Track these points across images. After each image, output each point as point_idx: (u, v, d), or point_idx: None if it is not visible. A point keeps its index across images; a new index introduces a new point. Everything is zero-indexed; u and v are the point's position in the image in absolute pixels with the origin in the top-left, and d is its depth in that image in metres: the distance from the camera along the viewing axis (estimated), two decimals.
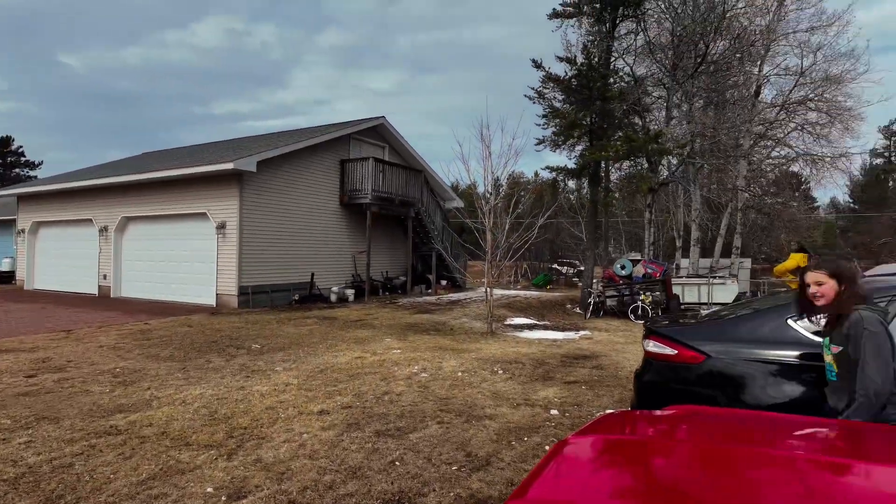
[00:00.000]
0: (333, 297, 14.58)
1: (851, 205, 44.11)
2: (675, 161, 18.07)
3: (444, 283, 18.48)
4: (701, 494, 1.36)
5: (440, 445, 3.98)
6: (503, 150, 10.88)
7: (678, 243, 22.82)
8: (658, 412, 2.24)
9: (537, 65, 14.06)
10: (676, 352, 3.18)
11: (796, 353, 2.85)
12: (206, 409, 4.82)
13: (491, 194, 10.84)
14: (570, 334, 10.09)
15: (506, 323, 11.37)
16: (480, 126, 11.76)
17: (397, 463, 3.66)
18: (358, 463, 3.65)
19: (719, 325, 3.44)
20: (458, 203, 20.21)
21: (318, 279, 14.59)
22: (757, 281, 21.42)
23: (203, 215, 13.38)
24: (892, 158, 42.61)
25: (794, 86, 20.01)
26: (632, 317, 12.72)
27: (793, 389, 2.86)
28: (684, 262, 19.96)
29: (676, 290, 14.13)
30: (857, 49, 29.97)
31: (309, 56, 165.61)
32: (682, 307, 13.58)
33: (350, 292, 14.95)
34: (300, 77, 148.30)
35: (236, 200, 12.79)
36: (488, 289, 10.39)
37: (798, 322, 3.00)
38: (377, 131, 17.33)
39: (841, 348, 2.40)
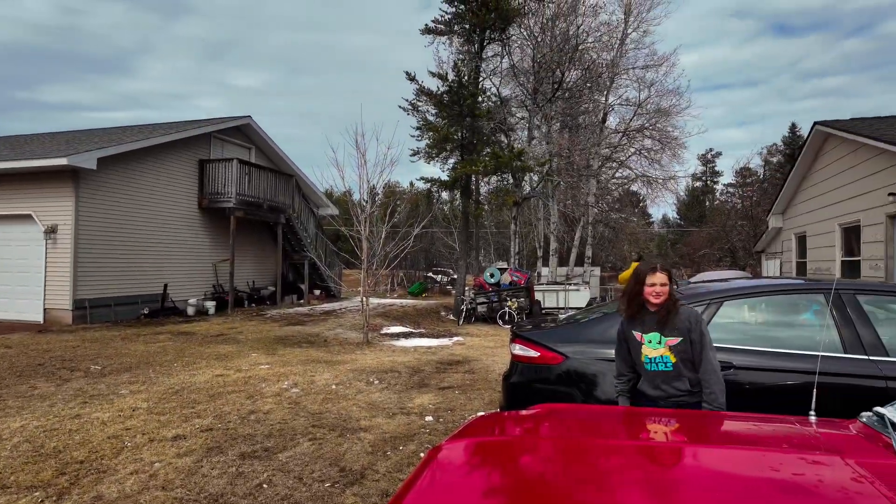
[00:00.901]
0: (191, 311, 13.35)
1: (678, 221, 51.24)
2: (535, 178, 19.56)
3: (317, 292, 17.88)
4: (560, 485, 1.49)
5: (312, 463, 3.84)
6: (378, 158, 10.92)
7: (539, 253, 24.68)
8: (523, 412, 2.40)
9: (411, 78, 14.34)
10: (539, 354, 3.43)
11: None
12: (28, 444, 4.12)
13: (367, 202, 10.76)
14: (445, 341, 10.36)
15: (382, 332, 11.33)
16: (356, 133, 11.65)
17: (265, 486, 3.46)
18: (220, 490, 3.38)
19: (575, 328, 3.77)
20: (333, 210, 19.76)
21: (174, 290, 13.28)
22: (605, 287, 23.89)
23: (27, 217, 11.48)
24: (708, 182, 50.41)
25: (633, 115, 22.82)
26: (500, 322, 13.43)
27: None
28: (545, 271, 21.56)
29: (538, 296, 15.23)
30: (681, 87, 35.32)
31: (163, 44, 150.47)
32: (543, 312, 14.67)
33: (210, 304, 13.80)
34: (152, 67, 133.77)
35: (71, 201, 11.17)
36: (364, 298, 10.28)
37: None
38: (243, 131, 16.31)
39: (680, 339, 2.71)
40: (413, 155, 14.99)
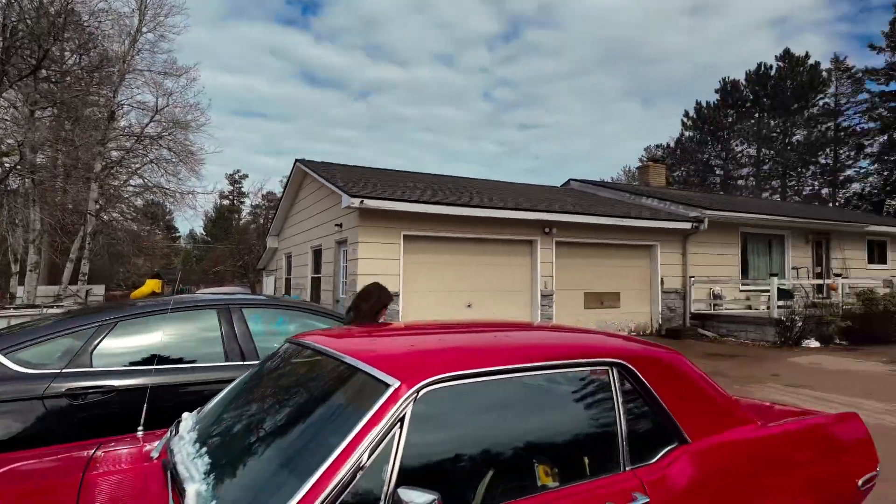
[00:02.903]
0: None
1: (205, 237, 51.06)
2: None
3: None
4: None
5: None
6: None
7: (15, 269, 19.39)
8: None
9: None
10: None
11: None
12: None
13: None
14: None
15: None
16: None
17: None
18: None
19: None
20: None
21: None
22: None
23: None
24: (235, 201, 52.55)
25: (150, 121, 21.29)
26: None
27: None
28: (20, 291, 17.11)
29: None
30: (202, 103, 35.72)
31: None
32: None
33: None
34: None
35: None
36: None
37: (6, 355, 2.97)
38: None
39: None
40: None
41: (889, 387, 7.28)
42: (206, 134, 37.94)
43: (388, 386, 1.54)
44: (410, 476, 1.45)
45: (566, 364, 1.87)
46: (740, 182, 40.24)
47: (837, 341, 11.60)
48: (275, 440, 1.66)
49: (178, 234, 50.59)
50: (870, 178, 32.01)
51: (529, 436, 1.77)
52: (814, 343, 11.27)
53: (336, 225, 10.68)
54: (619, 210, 13.23)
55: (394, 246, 9.86)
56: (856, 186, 33.12)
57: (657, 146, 46.14)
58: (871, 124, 32.19)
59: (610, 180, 36.02)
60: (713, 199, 17.50)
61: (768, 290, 12.21)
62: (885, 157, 30.60)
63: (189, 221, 56.01)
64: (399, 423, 1.48)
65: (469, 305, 10.85)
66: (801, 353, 10.43)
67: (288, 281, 15.06)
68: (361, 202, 9.11)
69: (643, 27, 67.38)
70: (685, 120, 43.05)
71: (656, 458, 1.86)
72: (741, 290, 14.06)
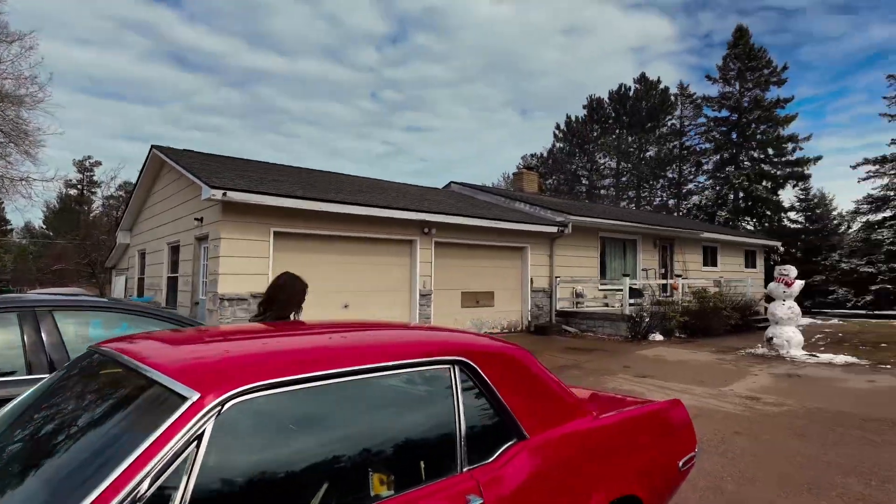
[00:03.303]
0: None
1: (45, 230, 44.33)
2: None
3: None
4: None
5: None
6: None
7: None
8: None
9: None
10: None
11: None
12: None
13: None
14: None
15: None
16: None
17: None
18: None
19: None
20: None
21: None
22: None
23: None
24: (85, 191, 46.26)
25: None
26: None
27: None
28: None
29: None
30: (41, 77, 30.75)
31: None
32: None
33: None
34: None
35: None
36: None
37: None
38: None
39: None
40: None
41: (715, 374, 8.32)
42: (45, 112, 33.07)
43: (184, 399, 1.31)
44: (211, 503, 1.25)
45: (404, 364, 1.77)
46: (603, 192, 44.18)
47: (677, 335, 13.09)
48: (41, 468, 1.35)
49: (9, 227, 43.32)
50: (706, 192, 36.86)
51: (364, 444, 1.64)
52: (658, 337, 12.60)
53: (196, 219, 9.75)
54: (495, 213, 13.74)
55: (262, 243, 9.23)
56: (695, 199, 37.91)
57: (532, 155, 49.03)
58: (708, 145, 37.11)
59: (491, 185, 37.50)
60: (577, 206, 18.92)
61: (622, 290, 13.43)
62: (718, 175, 35.47)
63: (23, 212, 48.08)
64: (196, 442, 1.27)
65: (346, 306, 10.53)
66: (647, 346, 11.60)
67: (141, 281, 13.49)
68: (224, 194, 8.39)
69: (522, 42, 71.31)
70: (557, 132, 46.27)
71: (494, 457, 1.83)
72: (600, 290, 15.33)
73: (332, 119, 80.00)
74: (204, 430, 1.28)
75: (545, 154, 47.44)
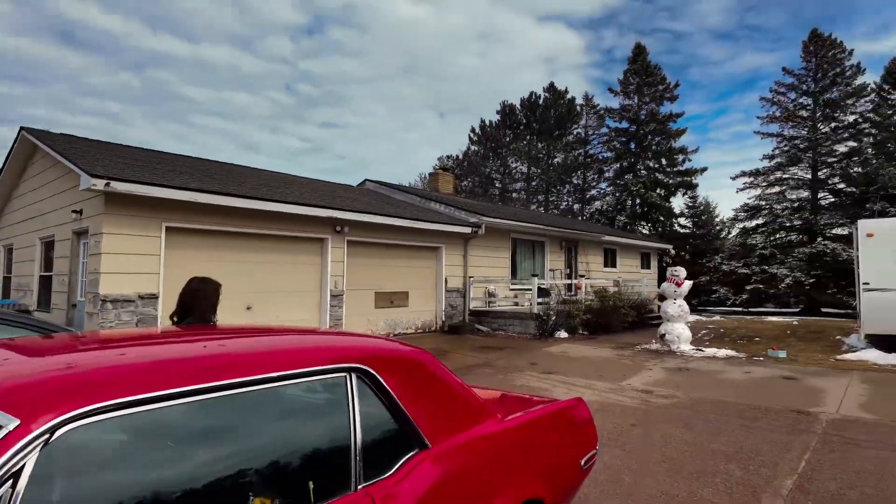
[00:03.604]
0: None
1: None
2: None
3: None
4: None
5: None
6: None
7: None
8: None
9: None
10: None
11: None
12: None
13: None
14: None
15: None
16: None
17: None
18: None
19: None
20: None
21: None
22: None
23: None
24: None
25: None
26: None
27: None
28: None
29: None
30: None
31: None
32: None
33: None
34: None
35: None
36: None
37: None
38: None
39: None
40: None
41: (614, 369, 8.78)
42: None
43: None
44: None
45: (294, 375, 1.58)
46: (515, 195, 45.64)
47: (581, 332, 13.74)
48: None
49: None
50: (607, 198, 39.29)
51: (243, 465, 1.43)
52: (564, 334, 13.15)
53: (74, 212, 8.70)
54: (411, 213, 13.63)
55: (152, 239, 8.41)
56: (598, 204, 40.25)
57: (448, 157, 49.57)
58: (609, 154, 39.59)
59: (409, 185, 37.36)
60: (490, 208, 19.33)
61: (531, 289, 13.87)
62: (618, 182, 37.92)
63: None
64: (11, 482, 1.01)
65: (249, 308, 9.91)
66: (553, 343, 12.05)
67: (7, 280, 11.85)
68: (108, 184, 7.53)
69: (440, 44, 71.89)
70: (472, 135, 47.14)
71: (393, 470, 1.70)
72: (511, 289, 15.74)
73: (243, 111, 75.70)
74: (23, 465, 1.03)
75: (461, 156, 48.16)
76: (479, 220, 14.47)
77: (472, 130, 47.08)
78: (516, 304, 15.53)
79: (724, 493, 3.65)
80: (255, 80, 74.03)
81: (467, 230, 14.23)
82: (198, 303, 3.34)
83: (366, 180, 18.73)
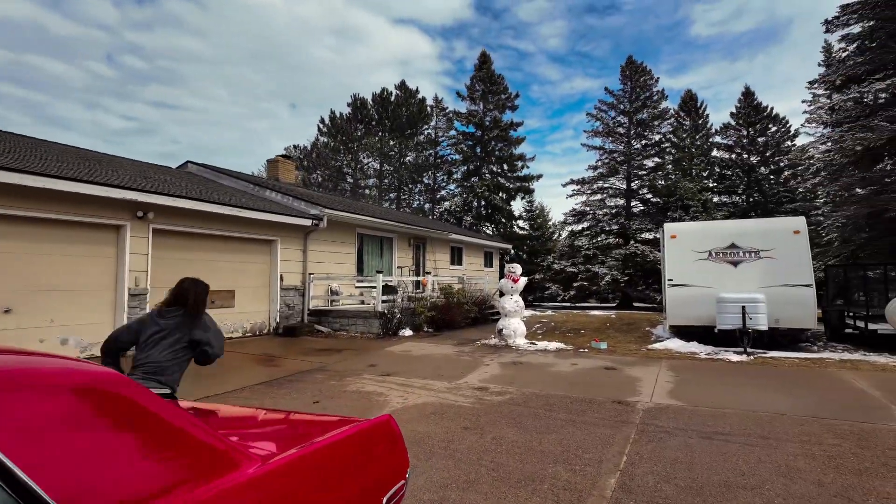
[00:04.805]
0: None
1: None
2: None
3: None
4: None
5: None
6: None
7: None
8: None
9: None
10: None
11: None
12: None
13: None
14: None
15: None
16: None
17: None
18: None
19: None
20: None
21: None
22: None
23: None
24: None
25: None
26: None
27: None
28: None
29: None
30: None
31: None
32: None
33: None
34: None
35: None
36: None
37: None
38: None
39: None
40: None
41: (454, 367, 8.55)
42: None
43: None
44: None
45: None
46: (367, 192, 44.78)
47: (426, 329, 13.52)
48: None
49: None
50: (455, 199, 40.41)
51: None
52: (408, 332, 12.78)
53: None
54: (240, 200, 12.12)
55: None
56: (447, 204, 41.21)
57: (295, 146, 46.92)
58: (457, 156, 40.78)
59: (251, 174, 34.23)
60: (334, 200, 18.32)
61: (377, 286, 13.29)
62: (465, 183, 39.23)
63: None
64: None
65: (7, 311, 7.76)
66: (397, 342, 11.59)
67: None
68: None
69: (292, 33, 67.98)
70: (321, 126, 45.17)
71: None
72: (356, 287, 14.98)
73: (48, 79, 63.24)
74: None
75: (309, 147, 45.86)
76: (321, 212, 13.45)
77: (322, 121, 45.22)
78: (363, 302, 14.81)
79: (552, 500, 3.40)
80: (66, 45, 62.53)
81: (307, 223, 13.13)
82: (191, 298, 3.31)
83: (188, 162, 16.44)
